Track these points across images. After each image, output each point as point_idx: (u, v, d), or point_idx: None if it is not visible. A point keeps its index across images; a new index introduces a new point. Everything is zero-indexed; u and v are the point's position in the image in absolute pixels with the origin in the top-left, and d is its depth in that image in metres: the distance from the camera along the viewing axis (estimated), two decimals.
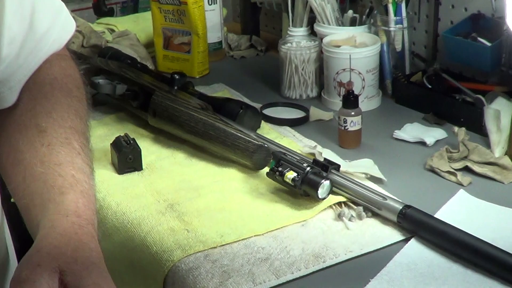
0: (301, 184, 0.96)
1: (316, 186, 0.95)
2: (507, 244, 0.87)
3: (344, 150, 1.18)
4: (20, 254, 1.82)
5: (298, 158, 1.01)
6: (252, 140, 1.07)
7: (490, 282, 0.82)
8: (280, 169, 0.99)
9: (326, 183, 0.95)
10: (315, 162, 1.00)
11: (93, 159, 1.12)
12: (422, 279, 0.83)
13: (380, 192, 0.97)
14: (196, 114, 1.14)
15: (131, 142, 1.10)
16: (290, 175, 0.97)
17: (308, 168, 0.97)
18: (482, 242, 0.85)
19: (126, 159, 1.09)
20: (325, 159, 1.03)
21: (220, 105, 1.21)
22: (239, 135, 1.08)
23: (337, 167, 1.01)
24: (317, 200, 0.96)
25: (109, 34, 1.69)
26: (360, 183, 0.99)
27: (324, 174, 0.97)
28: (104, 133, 1.24)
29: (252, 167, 1.07)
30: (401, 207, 0.92)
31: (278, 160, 0.99)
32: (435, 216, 0.93)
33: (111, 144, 1.11)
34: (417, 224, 0.91)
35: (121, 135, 1.12)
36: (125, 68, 1.31)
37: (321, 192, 0.95)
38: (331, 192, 0.97)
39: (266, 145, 1.07)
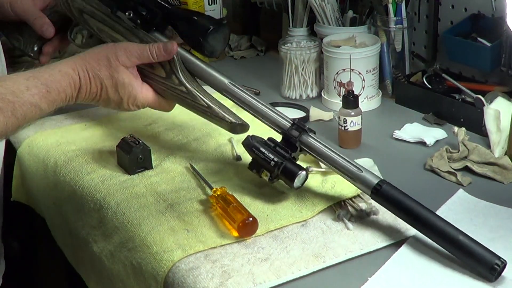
0: (276, 178, 0.97)
1: (292, 178, 0.96)
2: (506, 244, 0.88)
3: (344, 150, 1.18)
4: (20, 254, 1.82)
5: (271, 146, 0.99)
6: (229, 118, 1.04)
7: (490, 282, 0.82)
8: (254, 170, 1.00)
9: (300, 175, 0.96)
10: (291, 127, 0.99)
11: (96, 160, 1.13)
12: (420, 278, 0.83)
13: (358, 164, 0.96)
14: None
15: (140, 142, 1.10)
16: (265, 176, 0.99)
17: (281, 164, 0.96)
18: (451, 228, 0.86)
19: (137, 159, 1.09)
20: (297, 122, 1.01)
21: (187, 22, 1.07)
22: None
23: (313, 132, 1.00)
24: (293, 189, 0.97)
25: None
26: (337, 152, 0.97)
27: (296, 169, 0.97)
28: (104, 133, 1.24)
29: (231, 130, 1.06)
30: (376, 181, 0.92)
31: (253, 160, 1.00)
32: None
33: (117, 146, 1.11)
34: (389, 201, 0.91)
35: (126, 136, 1.12)
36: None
37: (297, 182, 0.96)
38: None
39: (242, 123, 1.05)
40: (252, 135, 1.01)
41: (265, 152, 0.98)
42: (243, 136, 1.16)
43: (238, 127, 1.02)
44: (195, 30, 1.06)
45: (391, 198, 0.91)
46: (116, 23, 1.08)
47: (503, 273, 0.82)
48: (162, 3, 1.10)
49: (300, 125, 1.00)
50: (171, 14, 1.09)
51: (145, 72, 1.02)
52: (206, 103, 1.02)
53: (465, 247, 0.84)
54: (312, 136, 0.99)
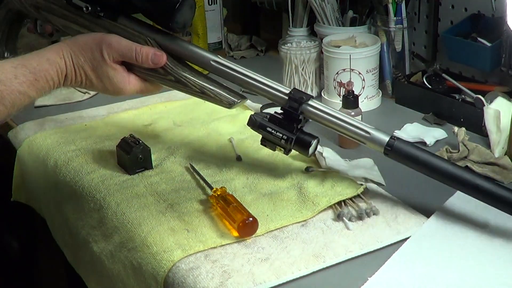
0: (290, 151, 0.99)
1: (306, 148, 0.98)
2: (504, 243, 0.88)
3: (344, 150, 1.18)
4: (20, 254, 1.82)
5: (277, 121, 0.99)
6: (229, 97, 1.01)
7: (488, 281, 0.82)
8: (267, 146, 1.01)
9: (313, 144, 0.99)
10: (290, 100, 0.98)
11: (96, 160, 1.13)
12: (420, 278, 0.83)
13: (365, 125, 0.96)
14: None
15: (140, 142, 1.10)
16: (279, 150, 1.00)
17: (292, 139, 0.97)
18: (469, 174, 0.89)
19: (137, 159, 1.09)
20: (292, 94, 0.99)
21: (148, 2, 1.00)
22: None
23: (311, 97, 1.00)
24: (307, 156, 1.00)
25: None
26: (342, 117, 0.98)
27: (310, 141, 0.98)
28: (104, 133, 1.24)
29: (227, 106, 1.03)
30: (387, 139, 0.94)
31: (262, 138, 1.00)
32: (434, 215, 0.94)
33: (117, 146, 1.11)
34: (404, 156, 0.93)
35: (126, 136, 1.12)
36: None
37: (311, 150, 0.99)
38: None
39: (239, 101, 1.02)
40: (255, 113, 1.01)
41: (272, 131, 0.98)
42: (243, 136, 1.17)
43: (236, 105, 1.00)
44: (160, 12, 0.99)
45: (405, 153, 0.93)
46: (78, 16, 1.03)
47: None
48: None
49: (296, 97, 0.98)
50: None
51: (130, 64, 0.99)
52: (199, 89, 0.99)
53: (486, 189, 0.88)
54: (312, 104, 0.98)
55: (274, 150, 1.01)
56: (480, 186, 0.88)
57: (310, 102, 0.98)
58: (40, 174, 1.19)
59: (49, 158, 1.17)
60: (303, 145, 0.98)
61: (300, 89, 1.43)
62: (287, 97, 0.98)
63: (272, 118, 0.99)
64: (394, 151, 0.94)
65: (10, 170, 1.28)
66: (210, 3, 1.66)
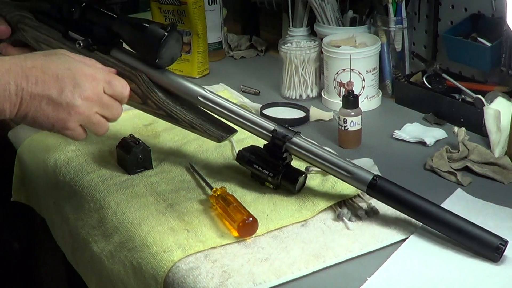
0: (279, 185, 1.01)
1: (293, 183, 0.99)
2: None
3: (344, 150, 1.18)
4: (20, 254, 1.82)
5: (264, 158, 1.00)
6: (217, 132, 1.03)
7: (487, 281, 0.82)
8: (257, 180, 1.03)
9: (300, 180, 0.99)
10: (274, 136, 0.98)
11: (96, 160, 1.13)
12: (419, 278, 0.83)
13: (348, 163, 0.96)
14: None
15: (140, 142, 1.10)
16: (268, 184, 1.02)
17: (279, 175, 0.99)
18: (451, 216, 0.88)
19: (137, 159, 1.09)
20: (274, 133, 0.99)
21: (139, 30, 0.98)
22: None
23: (296, 133, 1.00)
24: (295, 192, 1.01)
25: None
26: (326, 156, 0.97)
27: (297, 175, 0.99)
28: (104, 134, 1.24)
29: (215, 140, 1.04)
30: (371, 178, 0.93)
31: (251, 173, 1.03)
32: None
33: (117, 146, 1.11)
34: (386, 196, 0.92)
35: (126, 136, 1.12)
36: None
37: (298, 186, 1.00)
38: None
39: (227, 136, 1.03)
40: (243, 149, 1.03)
41: (260, 168, 1.01)
42: (243, 135, 1.17)
43: (225, 139, 1.02)
44: (146, 47, 0.98)
45: (388, 192, 0.92)
46: (73, 50, 1.03)
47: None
48: (105, 12, 1.03)
49: (279, 136, 0.99)
50: (117, 27, 1.00)
51: None
52: (188, 123, 1.01)
53: (467, 232, 0.86)
54: (296, 141, 0.98)
55: (264, 184, 1.02)
56: (463, 229, 0.87)
57: (294, 139, 0.98)
58: (40, 174, 1.19)
59: (49, 158, 1.17)
60: (289, 181, 1.00)
61: (300, 89, 1.43)
62: (270, 135, 0.99)
63: (260, 153, 1.01)
64: (377, 191, 0.93)
65: (10, 170, 1.28)
66: (210, 3, 1.66)
